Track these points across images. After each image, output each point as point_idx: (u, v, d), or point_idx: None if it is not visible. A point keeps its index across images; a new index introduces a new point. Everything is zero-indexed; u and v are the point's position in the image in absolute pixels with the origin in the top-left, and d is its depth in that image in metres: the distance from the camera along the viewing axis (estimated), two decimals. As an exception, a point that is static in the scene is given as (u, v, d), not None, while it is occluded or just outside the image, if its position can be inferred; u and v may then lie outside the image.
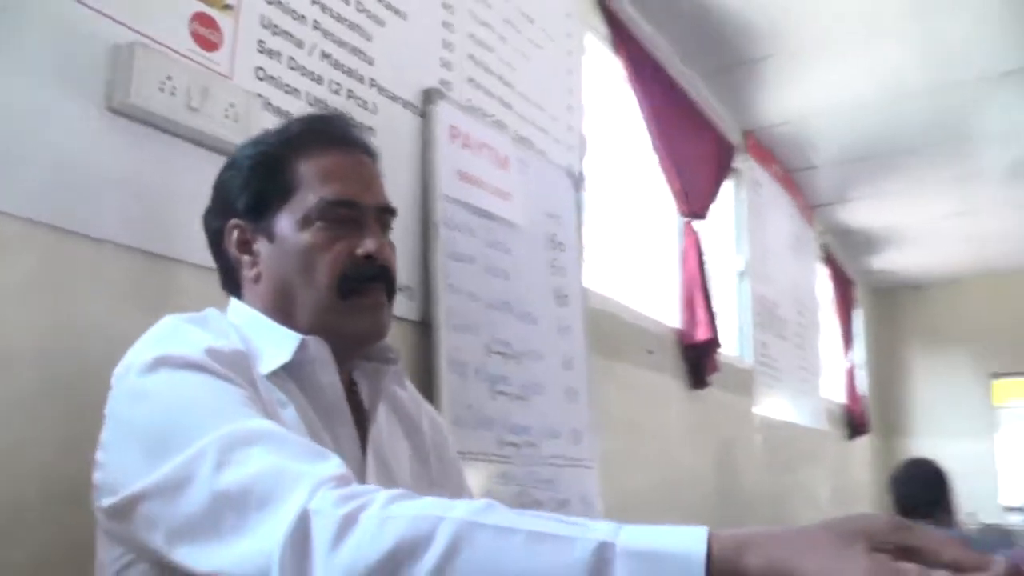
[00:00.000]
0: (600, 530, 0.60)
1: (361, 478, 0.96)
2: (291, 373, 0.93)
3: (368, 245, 0.97)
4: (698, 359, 3.20)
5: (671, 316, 3.24)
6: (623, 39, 3.00)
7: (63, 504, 1.04)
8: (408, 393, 1.13)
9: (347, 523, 0.65)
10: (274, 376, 0.91)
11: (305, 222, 0.96)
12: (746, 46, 3.46)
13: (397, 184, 1.71)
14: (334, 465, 0.73)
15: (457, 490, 1.14)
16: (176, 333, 0.88)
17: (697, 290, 3.22)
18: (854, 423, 5.75)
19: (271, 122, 1.43)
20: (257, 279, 0.99)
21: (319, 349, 0.94)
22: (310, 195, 0.96)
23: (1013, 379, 6.91)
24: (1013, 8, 3.20)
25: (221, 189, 1.02)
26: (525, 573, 0.60)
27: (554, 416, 2.17)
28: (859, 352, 6.18)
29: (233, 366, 0.85)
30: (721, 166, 3.77)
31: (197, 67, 1.35)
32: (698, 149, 3.52)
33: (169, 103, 1.26)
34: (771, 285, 4.37)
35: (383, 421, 1.05)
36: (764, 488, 3.84)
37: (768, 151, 4.49)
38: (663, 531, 0.60)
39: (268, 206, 0.97)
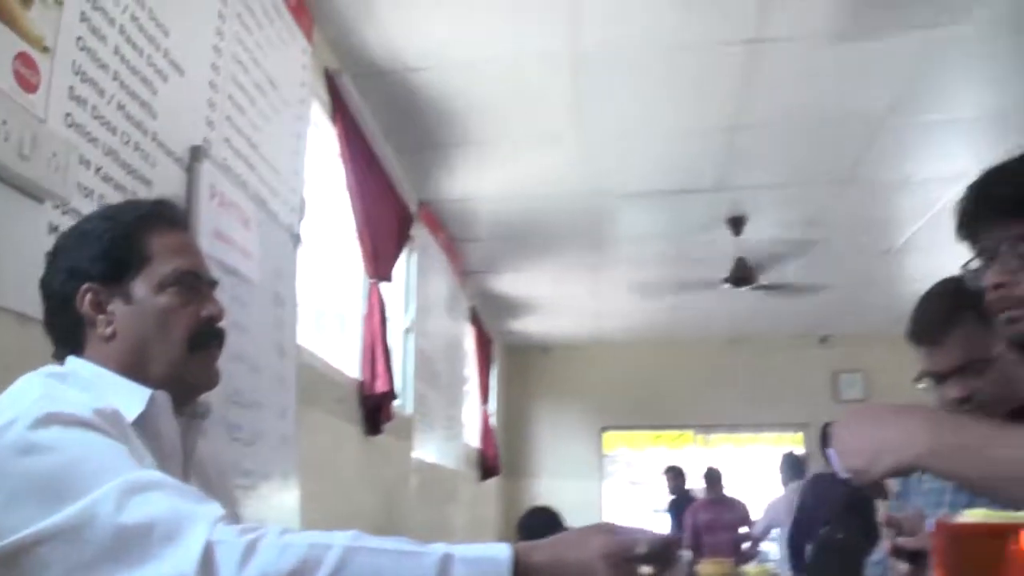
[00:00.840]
0: (440, 547, 0.88)
1: None
2: (136, 422, 1.07)
3: (211, 309, 1.16)
4: (376, 408, 3.52)
5: (353, 369, 3.52)
6: (340, 111, 3.28)
7: None
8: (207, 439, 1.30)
9: (249, 550, 0.84)
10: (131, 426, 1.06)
11: (160, 287, 1.11)
12: (437, 132, 3.95)
13: None
14: (218, 507, 0.91)
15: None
16: (54, 392, 0.99)
17: (379, 346, 3.55)
18: (487, 465, 6.47)
19: (84, 174, 1.49)
20: (112, 336, 1.10)
21: (164, 401, 1.09)
22: (164, 266, 1.12)
23: (618, 432, 8.51)
24: (649, 138, 4.09)
25: (67, 256, 1.12)
26: (395, 570, 0.85)
27: (272, 461, 2.34)
28: (493, 403, 6.97)
29: (114, 425, 0.98)
30: (402, 233, 4.18)
31: (25, 111, 1.38)
32: (386, 217, 3.88)
33: (3, 149, 1.30)
34: (430, 340, 4.86)
35: (201, 461, 1.22)
36: (417, 522, 4.24)
37: (438, 221, 5.02)
38: (482, 545, 0.89)
39: (124, 273, 1.10)
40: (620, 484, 8.47)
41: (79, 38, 1.61)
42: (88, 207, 1.56)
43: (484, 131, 3.98)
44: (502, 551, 0.86)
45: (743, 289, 5.40)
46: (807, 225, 5.20)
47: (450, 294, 5.50)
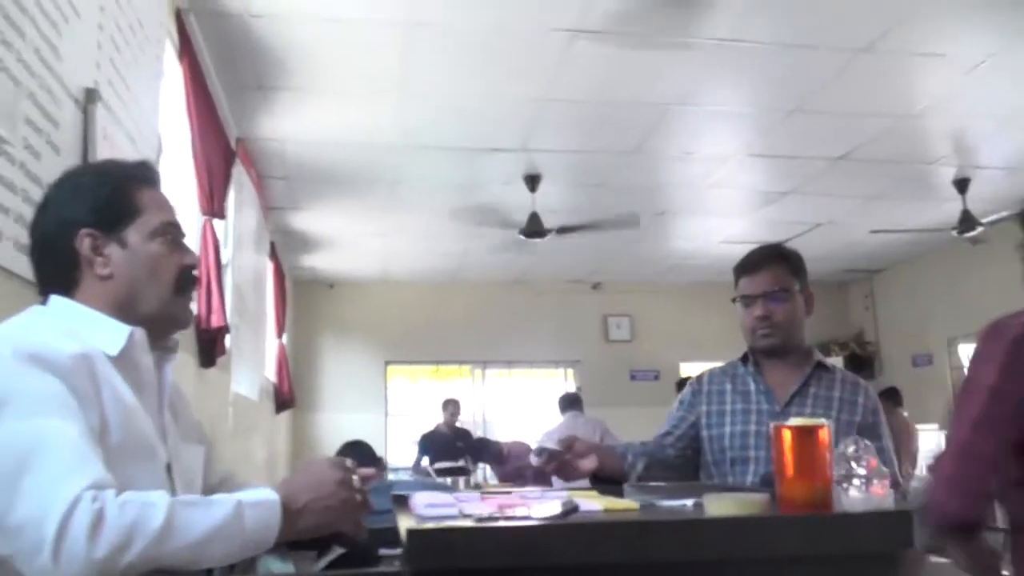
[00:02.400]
0: (231, 496, 1.09)
1: (162, 430, 1.37)
2: (118, 356, 1.27)
3: (190, 259, 1.38)
4: (211, 341, 3.65)
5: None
6: (187, 50, 3.33)
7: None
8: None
9: (97, 516, 0.97)
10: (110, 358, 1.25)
11: (152, 236, 1.31)
12: (264, 75, 4.06)
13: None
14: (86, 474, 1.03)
15: (201, 437, 1.56)
16: (51, 323, 1.21)
17: (214, 281, 3.67)
18: (281, 398, 6.63)
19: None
20: (108, 276, 1.29)
21: (141, 337, 1.29)
22: (153, 218, 1.32)
23: (400, 365, 8.90)
24: (464, 101, 4.45)
25: (61, 206, 1.29)
26: (207, 521, 1.05)
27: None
28: (287, 337, 7.10)
29: (79, 366, 1.15)
30: (228, 171, 4.25)
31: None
32: (216, 155, 3.95)
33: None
34: (243, 275, 4.95)
35: (171, 391, 1.46)
36: (233, 454, 4.41)
37: (249, 158, 5.08)
38: (254, 491, 1.13)
39: (119, 222, 1.30)
40: (399, 415, 8.96)
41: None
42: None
43: (310, 80, 4.14)
44: (270, 493, 1.14)
45: (535, 240, 5.96)
46: (594, 187, 5.85)
47: (257, 229, 5.57)
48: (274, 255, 6.56)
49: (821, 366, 1.98)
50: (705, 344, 7.87)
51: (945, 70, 4.12)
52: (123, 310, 1.27)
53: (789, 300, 1.95)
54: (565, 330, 8.81)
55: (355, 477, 1.19)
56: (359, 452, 3.69)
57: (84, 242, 1.26)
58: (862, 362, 8.82)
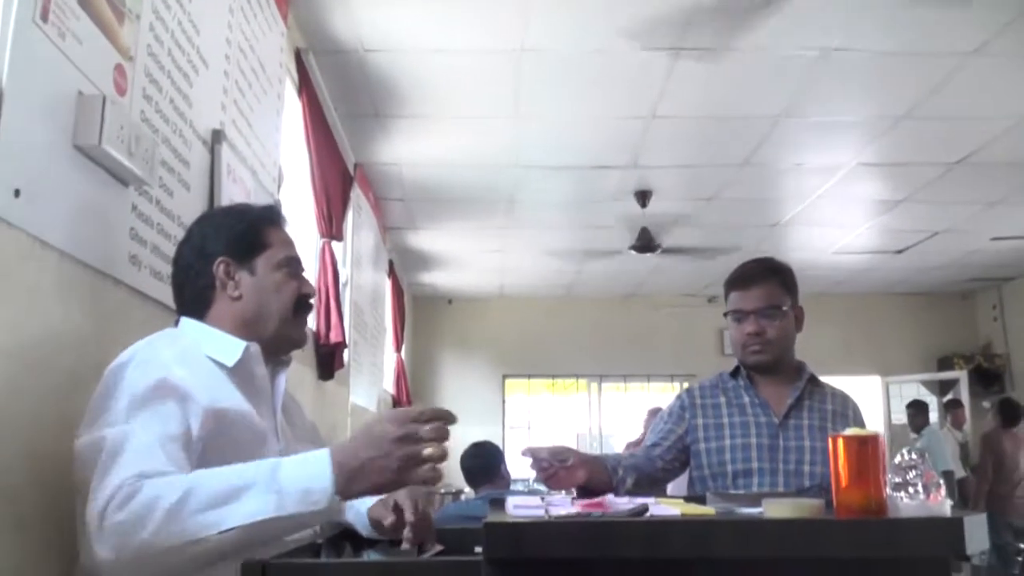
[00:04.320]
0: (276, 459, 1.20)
1: (275, 429, 1.52)
2: (235, 367, 1.46)
3: (307, 288, 1.58)
4: (330, 356, 3.89)
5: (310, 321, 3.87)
6: (305, 86, 3.58)
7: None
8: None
9: (130, 494, 1.10)
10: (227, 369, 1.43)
11: (277, 267, 1.52)
12: (381, 104, 4.30)
13: (195, 211, 2.16)
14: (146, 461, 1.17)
15: (314, 438, 1.72)
16: (173, 341, 1.39)
17: (332, 300, 3.91)
18: (400, 410, 6.90)
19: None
20: (239, 298, 1.49)
21: (256, 350, 1.48)
22: (278, 252, 1.53)
23: (517, 379, 9.10)
24: (575, 123, 4.55)
25: (202, 237, 1.51)
26: (232, 482, 1.13)
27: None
28: (405, 351, 7.39)
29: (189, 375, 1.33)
30: (346, 195, 4.51)
31: (124, 112, 1.70)
32: (335, 181, 4.20)
33: (118, 148, 1.62)
34: (361, 293, 5.22)
35: (285, 397, 1.62)
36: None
37: (368, 181, 5.35)
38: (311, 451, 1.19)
39: (249, 254, 1.50)
40: (517, 426, 9.12)
41: (148, 45, 1.91)
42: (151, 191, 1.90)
43: (425, 107, 4.34)
44: (321, 451, 1.18)
45: (647, 255, 5.98)
46: (706, 201, 5.82)
47: (375, 249, 5.85)
48: (392, 273, 6.85)
49: (813, 380, 2.00)
50: (820, 356, 7.61)
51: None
52: (248, 327, 1.48)
53: (781, 317, 1.96)
54: (680, 344, 8.75)
55: (425, 428, 1.16)
56: (485, 452, 3.74)
57: (220, 268, 1.47)
58: (990, 376, 8.29)
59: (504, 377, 9.01)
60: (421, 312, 8.85)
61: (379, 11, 3.44)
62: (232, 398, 1.38)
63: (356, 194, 5.01)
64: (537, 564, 1.06)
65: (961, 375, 8.42)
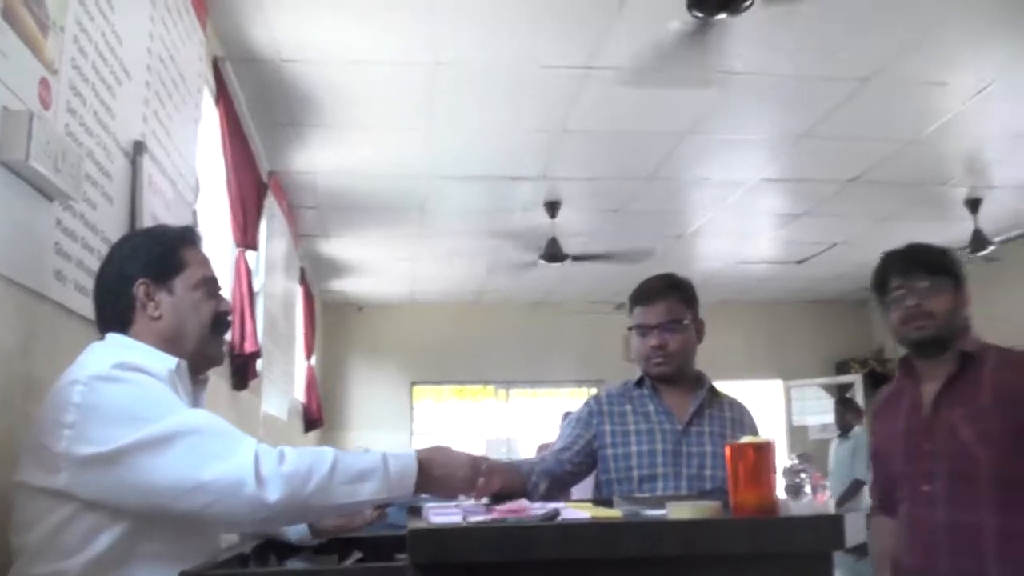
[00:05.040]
0: (381, 451, 1.45)
1: None
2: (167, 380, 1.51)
3: (225, 306, 1.64)
4: (244, 366, 3.86)
5: (222, 328, 3.83)
6: (223, 95, 3.56)
7: None
8: None
9: (281, 454, 1.31)
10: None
11: (195, 287, 1.57)
12: (296, 113, 4.31)
13: (118, 223, 2.16)
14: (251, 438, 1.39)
15: None
16: (123, 352, 1.42)
17: (247, 310, 3.88)
18: (310, 418, 6.85)
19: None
20: (158, 317, 1.53)
21: (184, 368, 1.53)
22: (196, 272, 1.58)
23: (426, 386, 9.12)
24: (487, 134, 4.65)
25: (123, 260, 1.55)
26: (362, 463, 1.38)
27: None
28: (316, 358, 7.33)
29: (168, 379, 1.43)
30: (260, 204, 4.47)
31: (49, 127, 1.70)
32: (250, 190, 4.17)
33: (44, 162, 1.62)
34: (274, 301, 5.17)
35: None
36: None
37: (281, 189, 5.32)
38: (397, 451, 1.47)
39: (168, 274, 1.55)
40: (425, 433, 9.15)
41: (72, 58, 1.91)
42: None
43: (340, 116, 4.38)
44: (411, 451, 1.46)
45: (555, 264, 6.13)
46: (613, 212, 6.02)
47: (287, 257, 5.80)
48: (304, 280, 6.79)
49: (712, 390, 2.16)
50: (725, 361, 7.95)
51: (949, 97, 4.25)
52: (168, 344, 1.52)
53: (682, 331, 2.10)
54: (589, 350, 8.94)
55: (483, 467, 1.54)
56: None
57: (140, 289, 1.51)
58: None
59: (412, 383, 9.03)
60: (331, 319, 8.78)
61: (297, 21, 3.47)
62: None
63: (270, 202, 4.96)
64: (460, 568, 1.13)
65: (856, 379, 8.92)
